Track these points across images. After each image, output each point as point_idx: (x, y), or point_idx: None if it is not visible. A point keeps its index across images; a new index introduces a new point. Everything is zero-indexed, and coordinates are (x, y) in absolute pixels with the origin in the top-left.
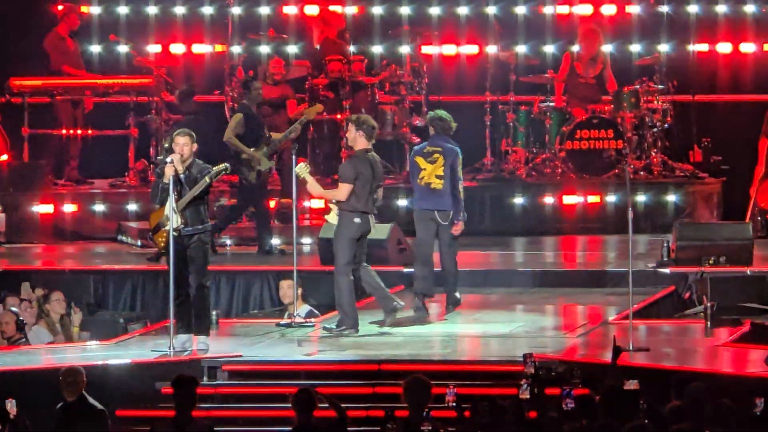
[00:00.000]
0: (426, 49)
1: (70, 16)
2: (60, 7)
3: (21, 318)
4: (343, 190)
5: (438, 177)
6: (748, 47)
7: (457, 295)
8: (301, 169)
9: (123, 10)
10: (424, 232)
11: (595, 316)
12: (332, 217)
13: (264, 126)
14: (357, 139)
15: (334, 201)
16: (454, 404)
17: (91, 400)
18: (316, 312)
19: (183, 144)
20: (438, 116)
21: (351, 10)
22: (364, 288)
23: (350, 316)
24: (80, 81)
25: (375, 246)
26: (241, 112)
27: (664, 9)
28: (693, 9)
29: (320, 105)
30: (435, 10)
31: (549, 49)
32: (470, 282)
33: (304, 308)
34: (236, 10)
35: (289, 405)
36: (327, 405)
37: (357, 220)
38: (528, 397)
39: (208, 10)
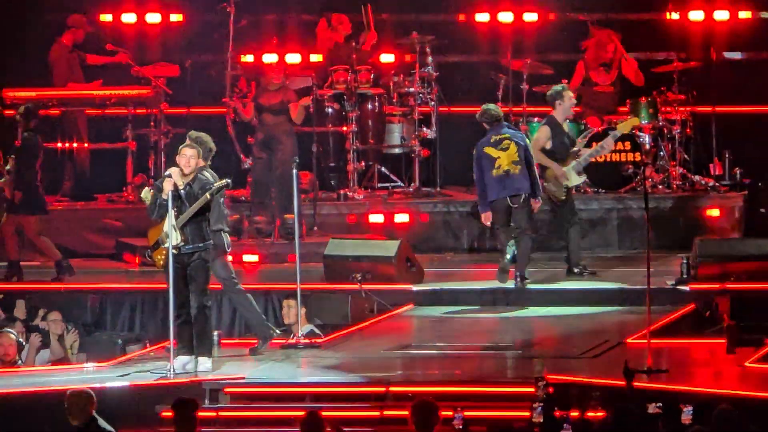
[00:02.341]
0: (436, 59)
1: (79, 29)
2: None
3: (20, 340)
4: None
5: (515, 163)
6: None
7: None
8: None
9: (127, 18)
10: (504, 220)
11: (612, 335)
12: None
13: (572, 140)
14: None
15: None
16: (461, 428)
17: (101, 422)
18: (317, 332)
19: (190, 156)
20: (484, 111)
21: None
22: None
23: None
24: (76, 93)
25: (382, 263)
26: (548, 125)
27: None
28: (718, 16)
29: (636, 118)
30: (445, 18)
31: (562, 57)
32: (482, 299)
33: (306, 328)
34: (238, 19)
35: (294, 429)
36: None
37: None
38: (541, 420)
39: (209, 18)
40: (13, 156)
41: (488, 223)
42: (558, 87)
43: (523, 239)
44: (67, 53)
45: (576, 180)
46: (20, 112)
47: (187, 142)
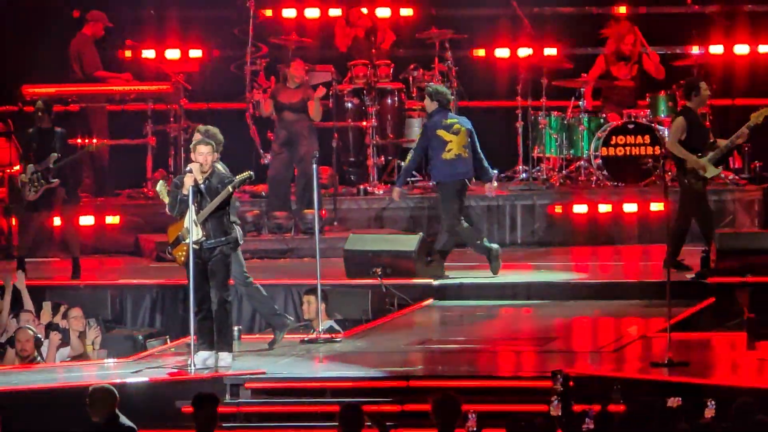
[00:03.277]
0: (455, 53)
1: (98, 23)
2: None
3: (39, 336)
4: None
5: (465, 147)
6: None
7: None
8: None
9: (141, 14)
10: (458, 202)
11: (633, 329)
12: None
13: (709, 131)
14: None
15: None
16: (474, 430)
17: (122, 419)
18: (337, 328)
19: (206, 153)
20: (439, 90)
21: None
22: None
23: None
24: (95, 89)
25: (402, 257)
26: (684, 116)
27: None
28: (732, 9)
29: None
30: (465, 13)
31: (582, 51)
32: (502, 295)
33: (326, 324)
34: (258, 14)
35: (315, 424)
36: (370, 423)
37: None
38: (559, 413)
39: (228, 14)
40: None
41: (397, 199)
42: (693, 79)
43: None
44: (91, 43)
45: (713, 171)
46: (40, 107)
47: (200, 138)
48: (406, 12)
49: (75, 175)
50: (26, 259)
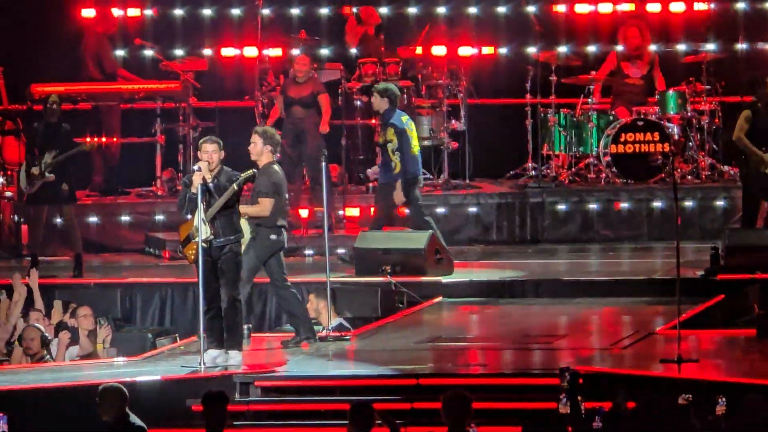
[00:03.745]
0: (463, 51)
1: (108, 20)
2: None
3: (46, 334)
4: (267, 205)
5: (419, 142)
6: None
7: None
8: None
9: (148, 12)
10: (418, 196)
11: (642, 326)
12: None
13: None
14: (264, 153)
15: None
16: None
17: (132, 418)
18: (347, 325)
19: (211, 151)
20: (389, 87)
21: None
22: (283, 307)
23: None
24: (104, 87)
25: (412, 255)
26: (750, 109)
27: (710, 6)
28: (740, 6)
29: None
30: (473, 10)
31: (591, 49)
32: (512, 292)
33: (335, 321)
34: (266, 12)
35: (325, 422)
36: (381, 422)
37: (273, 236)
38: (568, 411)
39: (236, 12)
40: (56, 150)
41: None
42: (759, 74)
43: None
44: (107, 42)
45: None
46: (55, 100)
47: (207, 137)
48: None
49: (73, 173)
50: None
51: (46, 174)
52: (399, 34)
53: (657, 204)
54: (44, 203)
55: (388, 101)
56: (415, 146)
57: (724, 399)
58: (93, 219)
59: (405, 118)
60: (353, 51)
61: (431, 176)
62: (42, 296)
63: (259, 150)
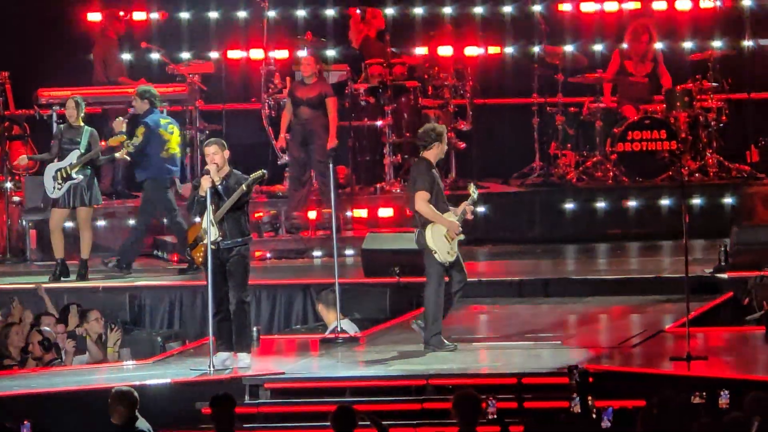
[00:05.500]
0: (470, 51)
1: (114, 21)
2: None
3: (47, 337)
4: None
5: (180, 146)
6: None
7: None
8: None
9: (154, 16)
10: (169, 196)
11: (651, 324)
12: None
13: None
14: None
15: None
16: (494, 417)
17: (140, 422)
18: (354, 326)
19: (213, 153)
20: (149, 90)
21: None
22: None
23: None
24: (111, 90)
25: (420, 256)
26: None
27: (717, 3)
28: (746, 3)
29: None
30: (478, 10)
31: (597, 47)
32: (520, 291)
33: (343, 323)
34: (272, 14)
35: None
36: (368, 422)
37: None
38: (579, 410)
39: (243, 14)
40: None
41: None
42: None
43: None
44: (115, 47)
45: None
46: (77, 101)
47: (209, 139)
48: (419, 11)
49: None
50: (41, 262)
51: (73, 175)
52: (405, 35)
53: (665, 202)
54: (67, 206)
55: (149, 103)
56: (171, 149)
57: (726, 392)
58: (101, 223)
59: (165, 121)
60: (357, 52)
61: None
62: (51, 300)
63: (439, 151)
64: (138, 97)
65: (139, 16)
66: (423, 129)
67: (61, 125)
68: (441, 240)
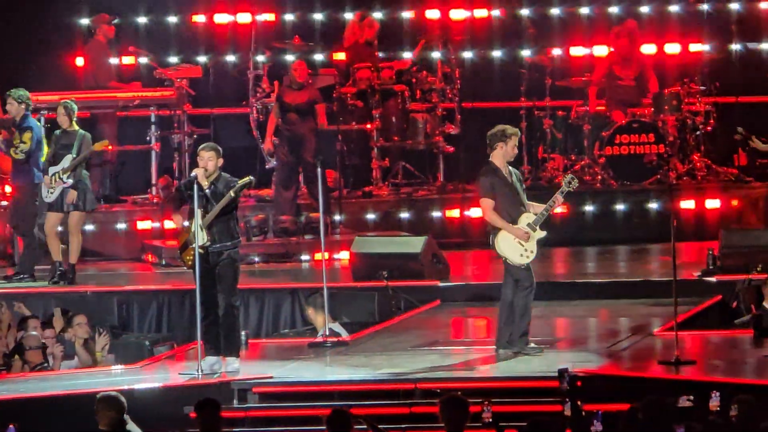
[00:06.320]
0: (456, 14)
1: (103, 25)
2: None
3: (43, 341)
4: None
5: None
6: None
7: None
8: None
9: (142, 20)
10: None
11: (639, 328)
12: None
13: None
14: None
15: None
16: (490, 421)
17: (130, 425)
18: (343, 330)
19: (207, 158)
20: (26, 94)
21: (378, 15)
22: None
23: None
24: (99, 95)
25: (408, 259)
26: None
27: (705, 8)
28: (734, 7)
29: None
30: (466, 14)
31: (585, 51)
32: None
33: (333, 326)
34: (260, 18)
35: (323, 427)
36: (365, 426)
37: None
38: (570, 414)
39: (230, 18)
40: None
41: None
42: None
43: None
44: (105, 51)
45: None
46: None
47: (205, 144)
48: (408, 15)
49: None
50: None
51: (65, 179)
52: (393, 40)
53: (653, 205)
54: (66, 210)
55: (25, 107)
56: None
57: (717, 394)
58: (89, 227)
59: (40, 124)
60: (341, 56)
61: (426, 180)
62: (39, 305)
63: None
64: (15, 101)
65: (127, 20)
66: (493, 129)
67: (56, 131)
68: (511, 245)
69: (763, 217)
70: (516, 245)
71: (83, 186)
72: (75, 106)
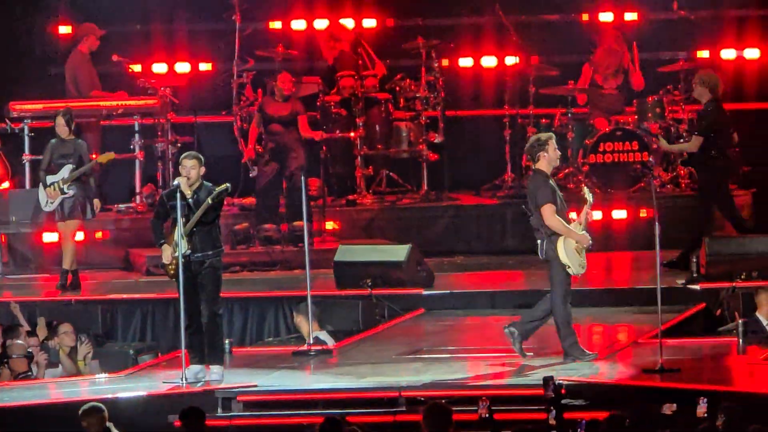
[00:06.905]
0: (442, 63)
1: (90, 36)
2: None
3: (30, 350)
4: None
5: None
6: None
7: None
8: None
9: (125, 28)
10: None
11: (624, 335)
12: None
13: None
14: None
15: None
16: (487, 416)
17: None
18: (329, 338)
19: (190, 167)
20: None
21: (370, 22)
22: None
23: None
24: (83, 104)
25: (392, 268)
26: None
27: (689, 15)
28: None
29: None
30: (451, 22)
31: (570, 59)
32: (493, 303)
33: (321, 334)
34: (244, 27)
35: None
36: None
37: None
38: (555, 423)
39: (214, 27)
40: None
41: None
42: None
43: None
44: (87, 61)
45: None
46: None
47: (188, 152)
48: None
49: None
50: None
51: (65, 189)
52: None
53: (637, 213)
54: (60, 219)
55: None
56: None
57: (705, 400)
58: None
59: None
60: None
61: (411, 189)
62: (23, 313)
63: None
64: None
65: (110, 28)
66: (528, 142)
67: (53, 140)
68: (573, 253)
69: (747, 224)
70: (576, 255)
71: (86, 194)
72: (70, 115)
